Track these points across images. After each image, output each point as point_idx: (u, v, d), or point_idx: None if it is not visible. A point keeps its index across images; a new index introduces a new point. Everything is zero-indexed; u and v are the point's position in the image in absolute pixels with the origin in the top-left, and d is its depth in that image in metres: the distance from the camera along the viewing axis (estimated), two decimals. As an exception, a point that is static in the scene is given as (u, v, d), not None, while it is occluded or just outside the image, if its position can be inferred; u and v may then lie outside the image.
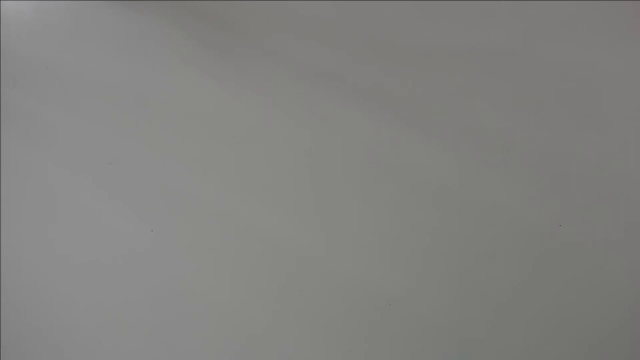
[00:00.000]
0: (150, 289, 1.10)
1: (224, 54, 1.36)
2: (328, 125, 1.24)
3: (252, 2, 1.42)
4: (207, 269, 1.12)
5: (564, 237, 1.07)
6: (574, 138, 1.16)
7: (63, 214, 1.19)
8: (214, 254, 1.13)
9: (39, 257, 1.16)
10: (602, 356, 0.99)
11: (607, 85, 1.21)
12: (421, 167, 1.17)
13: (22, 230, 1.19)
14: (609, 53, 1.25)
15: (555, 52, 1.26)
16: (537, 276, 1.05)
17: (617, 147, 1.15)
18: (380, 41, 1.33)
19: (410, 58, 1.30)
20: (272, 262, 1.11)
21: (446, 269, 1.07)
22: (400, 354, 1.02)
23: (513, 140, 1.17)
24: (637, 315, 1.01)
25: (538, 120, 1.19)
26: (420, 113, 1.23)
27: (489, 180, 1.14)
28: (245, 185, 1.19)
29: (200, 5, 1.44)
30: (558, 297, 1.03)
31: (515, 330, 1.01)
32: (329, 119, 1.24)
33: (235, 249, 1.13)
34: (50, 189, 1.22)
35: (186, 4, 1.44)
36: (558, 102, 1.20)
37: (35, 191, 1.22)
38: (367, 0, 1.38)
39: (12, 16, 1.48)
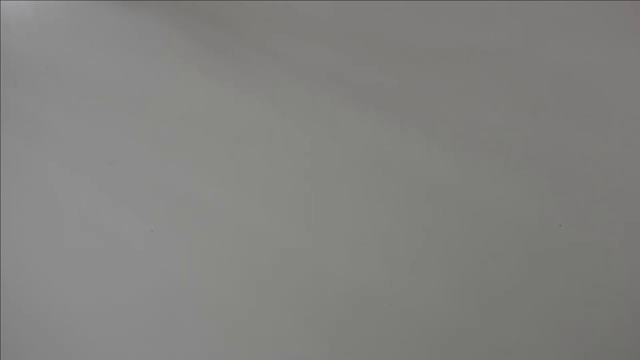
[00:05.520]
0: (150, 288, 1.10)
1: (223, 54, 1.37)
2: (328, 125, 1.24)
3: (252, 2, 1.42)
4: (206, 269, 1.12)
5: (563, 237, 1.07)
6: (573, 138, 1.16)
7: (63, 214, 1.19)
8: (214, 253, 1.13)
9: (39, 256, 1.16)
10: (601, 356, 0.99)
11: (607, 85, 1.21)
12: (421, 167, 1.17)
13: (22, 229, 1.19)
14: (608, 53, 1.25)
15: (555, 52, 1.26)
16: (537, 276, 1.05)
17: (617, 147, 1.15)
18: (380, 41, 1.33)
19: (410, 58, 1.30)
20: (272, 261, 1.11)
21: (446, 268, 1.07)
22: (399, 353, 1.02)
23: (513, 140, 1.17)
24: (637, 315, 1.01)
25: (538, 120, 1.19)
26: (420, 113, 1.23)
27: (488, 180, 1.14)
28: (245, 184, 1.19)
29: (200, 5, 1.44)
30: (557, 296, 1.03)
31: (515, 330, 1.02)
32: (328, 119, 1.24)
33: (236, 249, 1.13)
34: (51, 189, 1.22)
35: (186, 4, 1.44)
36: (558, 102, 1.20)
37: (36, 191, 1.22)
38: (367, 1, 1.38)
39: (12, 16, 1.48)
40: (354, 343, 1.03)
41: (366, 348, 1.03)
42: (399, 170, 1.17)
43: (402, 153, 1.19)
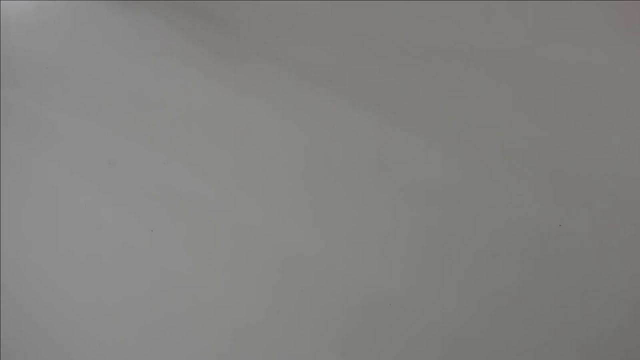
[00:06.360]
0: (150, 287, 1.10)
1: (224, 54, 1.37)
2: (328, 125, 1.24)
3: (252, 2, 1.42)
4: (206, 268, 1.12)
5: (564, 237, 1.07)
6: (574, 138, 1.16)
7: (63, 214, 1.19)
8: (214, 253, 1.13)
9: (39, 256, 1.16)
10: (602, 357, 0.99)
11: (607, 85, 1.21)
12: (421, 167, 1.17)
13: (22, 229, 1.19)
14: (608, 53, 1.25)
15: (555, 52, 1.26)
16: (537, 276, 1.05)
17: (617, 147, 1.15)
18: (380, 41, 1.33)
19: (410, 58, 1.30)
20: (272, 262, 1.11)
21: (446, 269, 1.07)
22: (400, 354, 1.02)
23: (513, 140, 1.17)
24: (638, 315, 1.01)
25: (538, 120, 1.19)
26: (420, 113, 1.23)
27: (488, 180, 1.14)
28: (244, 185, 1.19)
29: (200, 5, 1.44)
30: (557, 296, 1.03)
31: (515, 330, 1.01)
32: (328, 119, 1.24)
33: (236, 249, 1.13)
34: (51, 189, 1.22)
35: (186, 4, 1.44)
36: (558, 102, 1.20)
37: (36, 191, 1.22)
38: (367, 0, 1.38)
39: (12, 16, 1.48)
40: (352, 343, 1.03)
41: (366, 348, 1.03)
42: (399, 171, 1.17)
43: (402, 153, 1.19)
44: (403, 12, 1.36)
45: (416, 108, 1.24)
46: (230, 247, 1.13)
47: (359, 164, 1.18)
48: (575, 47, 1.26)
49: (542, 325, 1.01)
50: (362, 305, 1.06)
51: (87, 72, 1.37)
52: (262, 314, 1.07)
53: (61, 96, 1.34)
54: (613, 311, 1.01)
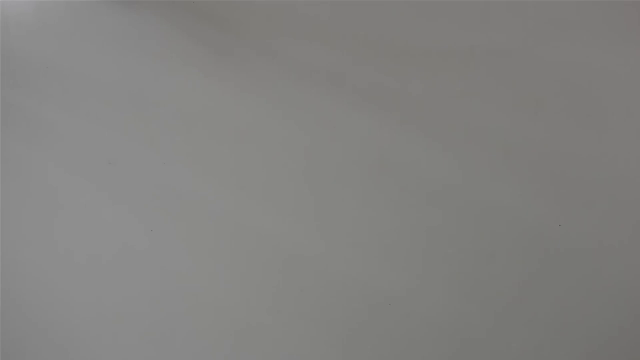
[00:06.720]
0: (150, 287, 1.10)
1: (223, 54, 1.36)
2: (327, 125, 1.24)
3: (252, 2, 1.42)
4: (206, 268, 1.12)
5: (564, 237, 1.07)
6: (574, 138, 1.16)
7: (63, 214, 1.19)
8: (214, 253, 1.13)
9: (39, 256, 1.16)
10: (602, 357, 0.99)
11: (607, 85, 1.21)
12: (420, 167, 1.17)
13: (22, 229, 1.19)
14: (609, 53, 1.25)
15: (555, 52, 1.26)
16: (537, 276, 1.05)
17: (617, 147, 1.15)
18: (380, 41, 1.33)
19: (410, 58, 1.30)
20: (272, 262, 1.11)
21: (446, 268, 1.07)
22: (400, 354, 1.02)
23: (513, 140, 1.17)
24: (638, 315, 1.01)
25: (538, 120, 1.19)
26: (420, 113, 1.23)
27: (488, 180, 1.14)
28: (244, 185, 1.19)
29: (200, 5, 1.44)
30: (557, 296, 1.03)
31: (516, 330, 1.01)
32: (328, 119, 1.24)
33: (236, 249, 1.13)
34: (50, 189, 1.22)
35: (186, 4, 1.44)
36: (558, 102, 1.20)
37: (35, 191, 1.22)
38: (367, 0, 1.38)
39: (12, 16, 1.48)
40: (352, 343, 1.03)
41: (365, 348, 1.03)
42: (398, 170, 1.17)
43: (402, 153, 1.19)
44: (403, 12, 1.36)
45: (416, 108, 1.24)
46: (230, 247, 1.13)
47: (359, 164, 1.18)
48: (575, 47, 1.26)
49: (542, 325, 1.01)
50: (362, 305, 1.06)
51: (87, 72, 1.37)
52: (262, 314, 1.07)
53: (61, 96, 1.34)
54: (613, 311, 1.01)
